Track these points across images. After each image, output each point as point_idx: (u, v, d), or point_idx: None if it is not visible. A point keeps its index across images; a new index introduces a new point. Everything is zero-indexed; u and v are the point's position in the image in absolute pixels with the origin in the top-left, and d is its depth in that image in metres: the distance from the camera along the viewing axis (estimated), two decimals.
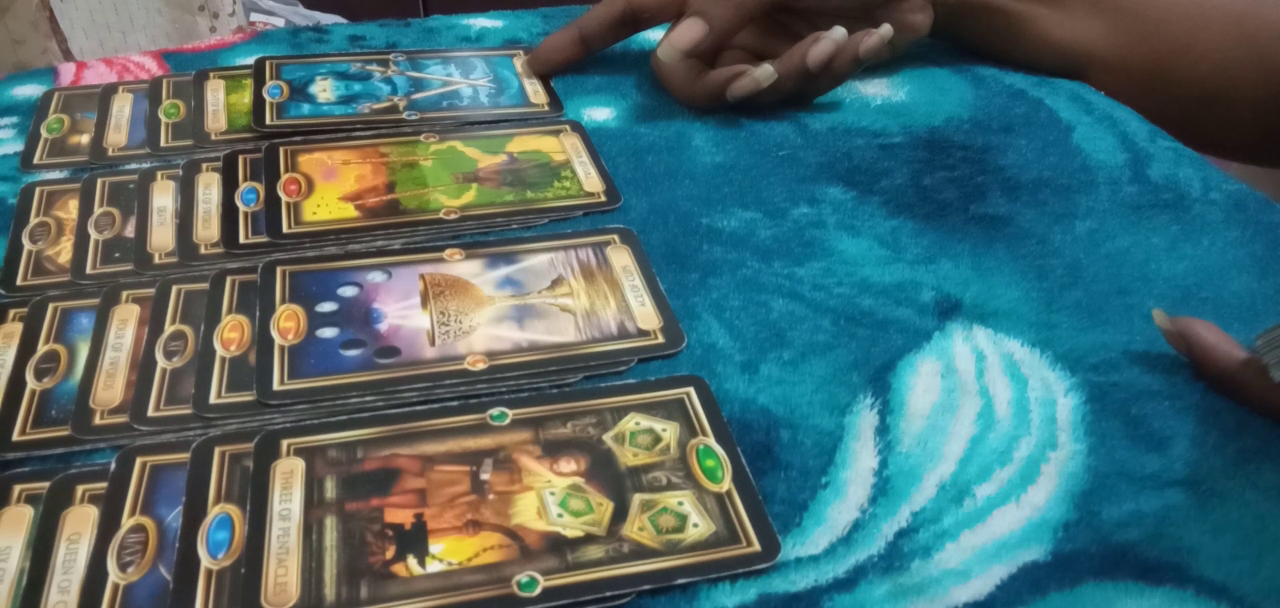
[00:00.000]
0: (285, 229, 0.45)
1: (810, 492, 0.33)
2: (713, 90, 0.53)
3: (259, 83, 0.55)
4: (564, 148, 0.52)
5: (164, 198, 0.47)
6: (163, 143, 0.51)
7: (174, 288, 0.41)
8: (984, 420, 0.36)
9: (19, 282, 0.42)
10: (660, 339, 0.39)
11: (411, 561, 0.30)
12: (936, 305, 0.41)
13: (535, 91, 0.57)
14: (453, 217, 0.46)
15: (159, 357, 0.38)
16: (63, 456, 0.34)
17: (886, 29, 0.53)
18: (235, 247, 0.44)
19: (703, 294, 0.42)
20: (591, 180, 0.49)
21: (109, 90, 0.55)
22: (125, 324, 0.39)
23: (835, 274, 0.43)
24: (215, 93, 0.55)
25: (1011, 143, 0.53)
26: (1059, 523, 0.32)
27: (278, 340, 0.38)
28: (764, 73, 0.52)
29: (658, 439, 0.35)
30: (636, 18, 0.57)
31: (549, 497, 0.33)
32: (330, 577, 0.30)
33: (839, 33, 0.52)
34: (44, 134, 0.52)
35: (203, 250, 0.44)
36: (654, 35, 0.62)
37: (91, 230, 0.45)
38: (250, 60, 0.59)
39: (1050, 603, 0.30)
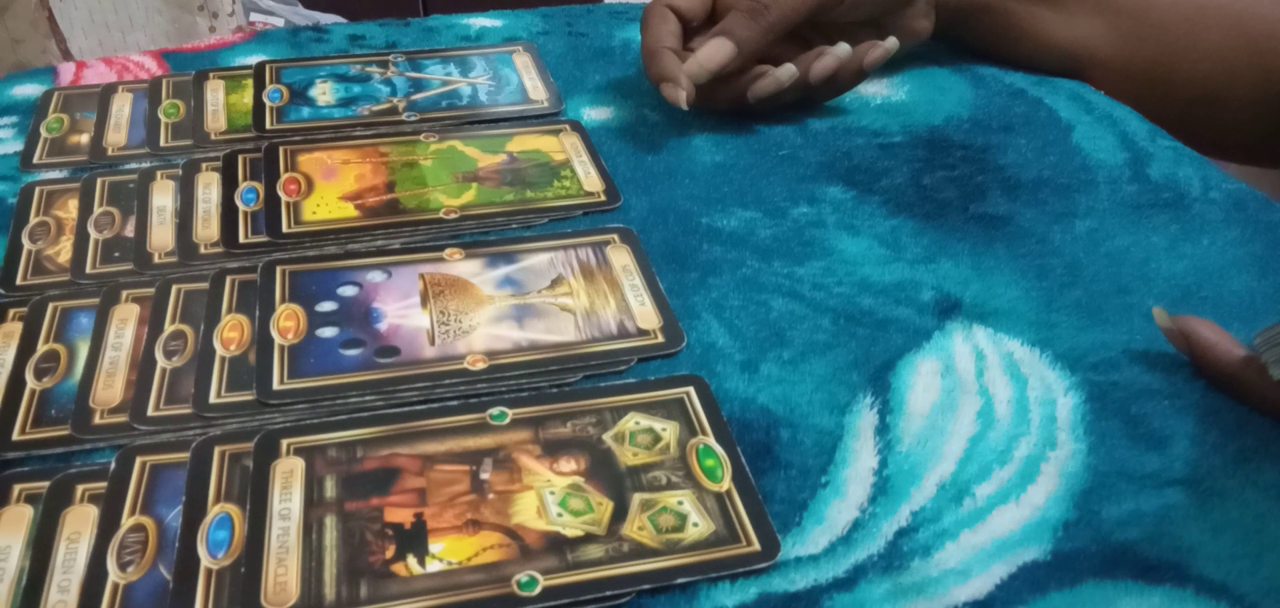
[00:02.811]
0: (285, 229, 0.45)
1: (810, 491, 0.33)
2: (734, 93, 0.53)
3: (259, 87, 0.55)
4: (564, 147, 0.52)
5: (164, 197, 0.47)
6: (162, 142, 0.51)
7: (174, 287, 0.41)
8: (984, 420, 0.36)
9: (19, 281, 0.42)
10: (660, 339, 0.39)
11: (411, 560, 0.30)
12: (936, 305, 0.41)
13: (535, 88, 0.57)
14: (452, 216, 0.46)
15: (159, 356, 0.38)
16: (62, 455, 0.34)
17: (892, 42, 0.53)
18: (235, 246, 0.44)
19: (702, 294, 0.42)
20: (591, 180, 0.49)
21: (108, 90, 0.55)
22: (125, 324, 0.39)
23: (835, 274, 0.43)
24: (215, 93, 0.55)
25: (1011, 142, 0.53)
26: (1059, 522, 0.32)
27: (277, 340, 0.38)
28: (787, 73, 0.52)
29: (657, 439, 0.35)
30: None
31: (549, 496, 0.33)
32: (330, 576, 0.30)
33: (842, 49, 0.52)
34: (43, 133, 0.52)
35: (203, 250, 0.44)
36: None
37: (91, 230, 0.45)
38: (250, 60, 0.59)
39: (1050, 602, 0.30)
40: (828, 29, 0.55)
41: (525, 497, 0.33)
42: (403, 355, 0.38)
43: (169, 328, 0.39)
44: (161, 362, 0.37)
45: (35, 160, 0.50)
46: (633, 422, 0.35)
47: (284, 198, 0.46)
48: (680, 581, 0.30)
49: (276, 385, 0.36)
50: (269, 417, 0.35)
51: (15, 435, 0.35)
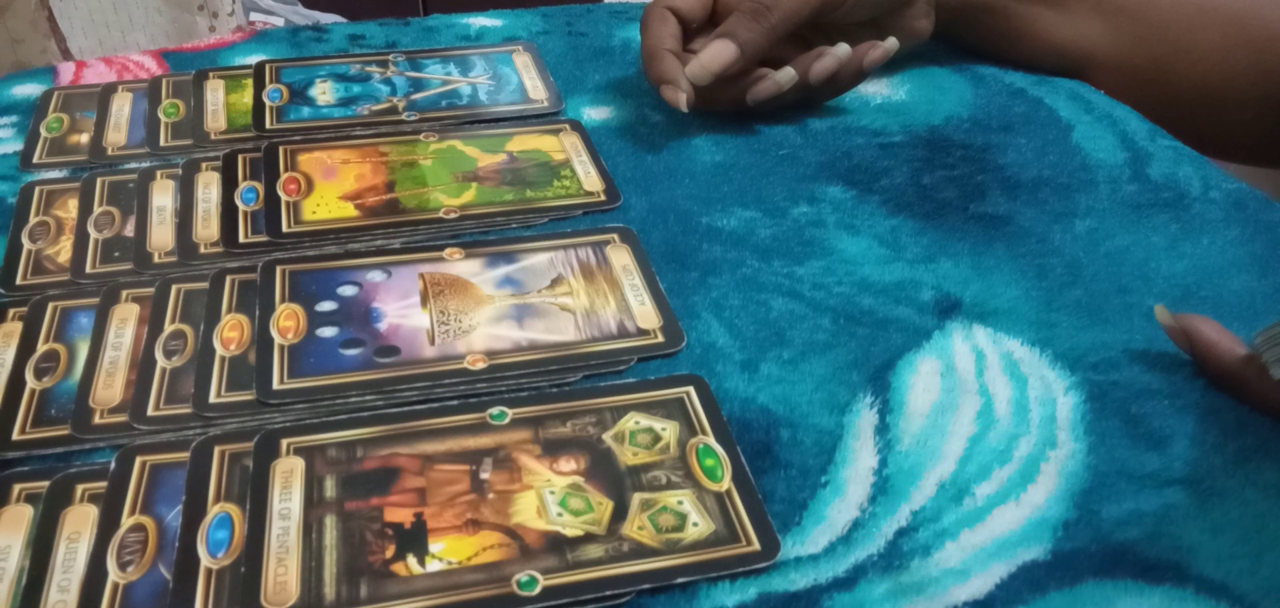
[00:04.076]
0: (285, 228, 0.45)
1: (810, 491, 0.33)
2: (734, 95, 0.53)
3: (259, 87, 0.55)
4: (564, 147, 0.52)
5: (163, 197, 0.47)
6: (162, 142, 0.51)
7: (174, 287, 0.41)
8: (984, 419, 0.36)
9: (19, 281, 0.42)
10: (660, 338, 0.39)
11: (411, 560, 0.30)
12: (936, 304, 0.41)
13: (535, 88, 0.57)
14: (452, 216, 0.46)
15: (159, 356, 0.38)
16: (62, 455, 0.34)
17: (892, 42, 0.53)
18: (235, 246, 0.44)
19: (702, 293, 0.42)
20: (591, 179, 0.49)
21: (108, 90, 0.55)
22: (125, 323, 0.39)
23: (835, 273, 0.43)
24: (215, 92, 0.55)
25: (1011, 142, 0.53)
26: (1059, 522, 0.32)
27: (277, 340, 0.38)
28: (786, 76, 0.52)
29: (657, 438, 0.35)
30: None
31: (549, 496, 0.33)
32: (330, 576, 0.30)
33: (842, 50, 0.52)
34: (43, 133, 0.52)
35: (202, 250, 0.44)
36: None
37: (91, 230, 0.45)
38: (250, 60, 0.59)
39: (1050, 602, 0.30)
40: (828, 29, 0.55)
41: (525, 497, 0.33)
42: (403, 355, 0.38)
43: (169, 328, 0.39)
44: (161, 361, 0.37)
45: (35, 160, 0.50)
46: (633, 421, 0.35)
47: (284, 197, 0.46)
48: (680, 580, 0.30)
49: (276, 385, 0.36)
50: (269, 417, 0.35)
51: (15, 435, 0.35)
